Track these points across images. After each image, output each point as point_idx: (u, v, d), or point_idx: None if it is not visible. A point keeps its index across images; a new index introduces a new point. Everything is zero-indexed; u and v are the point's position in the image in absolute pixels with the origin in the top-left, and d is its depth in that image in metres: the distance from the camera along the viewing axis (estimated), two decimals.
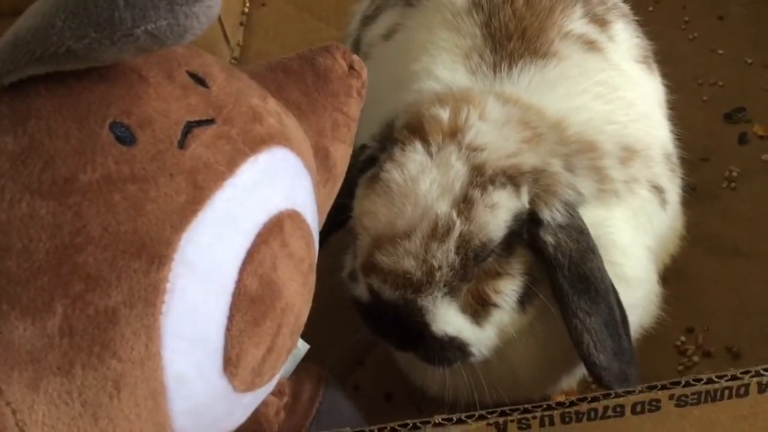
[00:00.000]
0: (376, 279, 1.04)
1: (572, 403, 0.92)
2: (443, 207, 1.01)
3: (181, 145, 0.78)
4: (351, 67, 1.01)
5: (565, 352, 1.10)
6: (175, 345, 0.74)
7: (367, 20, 1.46)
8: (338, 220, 1.15)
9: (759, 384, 0.91)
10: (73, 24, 0.70)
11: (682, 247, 1.38)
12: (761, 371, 0.91)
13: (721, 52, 1.95)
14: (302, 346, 1.06)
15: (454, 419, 0.92)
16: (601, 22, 1.28)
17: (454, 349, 1.06)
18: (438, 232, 1.01)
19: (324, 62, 0.98)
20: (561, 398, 0.96)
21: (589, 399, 0.92)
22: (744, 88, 1.85)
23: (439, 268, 1.01)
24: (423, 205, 1.02)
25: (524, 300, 1.07)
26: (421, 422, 0.92)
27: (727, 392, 0.91)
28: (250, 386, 0.84)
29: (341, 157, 1.05)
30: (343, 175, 1.09)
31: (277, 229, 0.83)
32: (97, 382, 0.71)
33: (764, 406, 0.92)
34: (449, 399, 1.14)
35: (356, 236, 1.09)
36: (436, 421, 0.92)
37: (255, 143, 0.84)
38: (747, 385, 0.90)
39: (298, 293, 0.87)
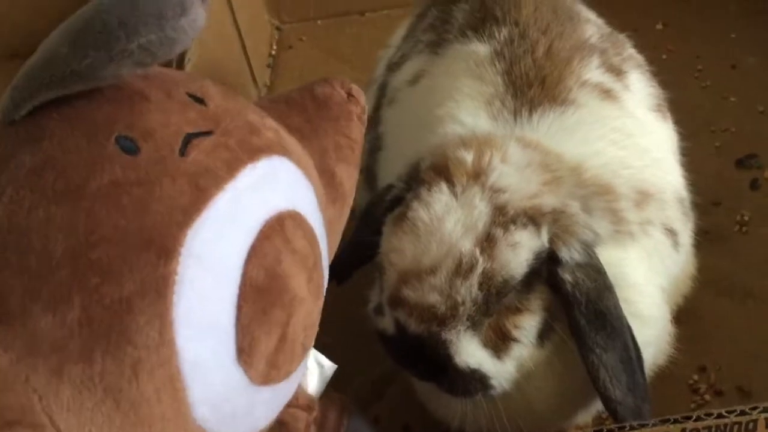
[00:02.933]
0: (403, 312, 1.09)
1: None
2: (467, 245, 1.07)
3: (182, 153, 0.85)
4: (350, 94, 1.07)
5: (581, 387, 1.14)
6: (188, 332, 0.79)
7: (393, 66, 1.53)
8: (365, 256, 1.21)
9: (767, 419, 0.95)
10: (74, 48, 0.79)
11: (694, 288, 1.42)
12: None
13: (733, 99, 2.01)
14: (329, 366, 1.10)
15: None
16: (617, 71, 1.35)
17: (475, 381, 1.10)
18: (462, 269, 1.06)
19: (323, 90, 1.04)
20: None
21: (605, 431, 0.96)
22: (756, 135, 1.90)
23: (463, 303, 1.06)
24: (448, 242, 1.07)
25: (543, 335, 1.11)
26: None
27: (736, 427, 0.95)
28: (266, 379, 0.88)
29: (348, 177, 1.11)
30: (353, 195, 1.14)
31: (278, 226, 0.89)
32: (116, 367, 0.76)
33: None
34: (470, 430, 1.18)
35: (383, 271, 1.14)
36: None
37: (253, 152, 0.90)
38: (755, 421, 0.94)
39: (304, 287, 0.91)
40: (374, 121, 1.53)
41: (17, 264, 0.76)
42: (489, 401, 1.13)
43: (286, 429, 0.99)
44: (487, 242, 1.07)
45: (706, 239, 1.51)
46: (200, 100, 0.92)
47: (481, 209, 1.08)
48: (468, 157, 1.14)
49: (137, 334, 0.77)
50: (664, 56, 2.10)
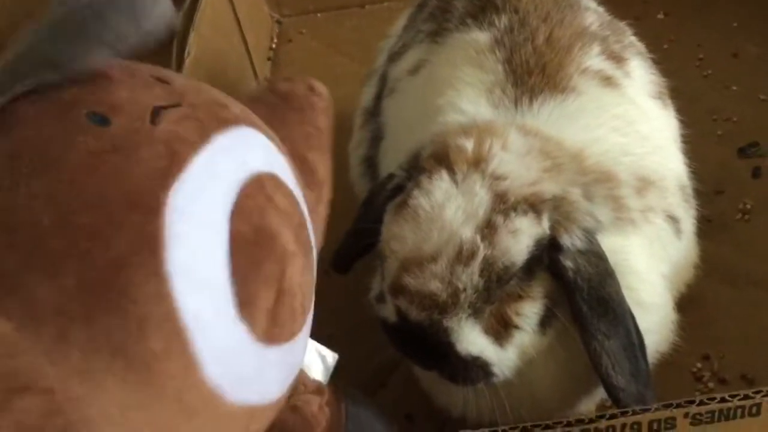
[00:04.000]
0: (404, 300, 1.09)
1: (591, 420, 0.96)
2: (468, 232, 1.07)
3: (153, 122, 0.87)
4: (311, 88, 1.08)
5: (584, 374, 1.14)
6: (185, 285, 0.81)
7: (394, 56, 1.53)
8: (366, 245, 1.21)
9: None
10: (54, 42, 0.83)
11: (697, 276, 1.42)
12: None
13: (735, 88, 2.00)
14: (331, 356, 1.11)
15: None
16: (617, 59, 1.34)
17: (477, 368, 1.10)
18: (463, 256, 1.06)
19: (284, 86, 1.07)
20: None
21: (608, 416, 0.96)
22: (757, 124, 1.90)
23: (464, 290, 1.06)
24: (449, 230, 1.07)
25: (545, 322, 1.11)
26: None
27: (740, 411, 0.95)
28: (270, 336, 0.89)
29: (321, 163, 1.12)
30: (329, 182, 1.15)
31: (258, 186, 0.91)
32: (121, 326, 0.77)
33: None
34: (472, 419, 1.19)
35: (384, 259, 1.14)
36: None
37: (221, 122, 0.93)
38: (759, 405, 0.94)
39: (293, 243, 0.93)
40: (375, 111, 1.53)
41: (7, 240, 0.77)
42: (491, 389, 1.13)
43: (300, 414, 1.00)
44: (488, 229, 1.07)
45: (708, 227, 1.50)
46: (164, 81, 0.95)
47: (481, 196, 1.08)
48: (468, 144, 1.14)
49: (136, 291, 0.78)
50: (665, 45, 2.09)
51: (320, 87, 1.11)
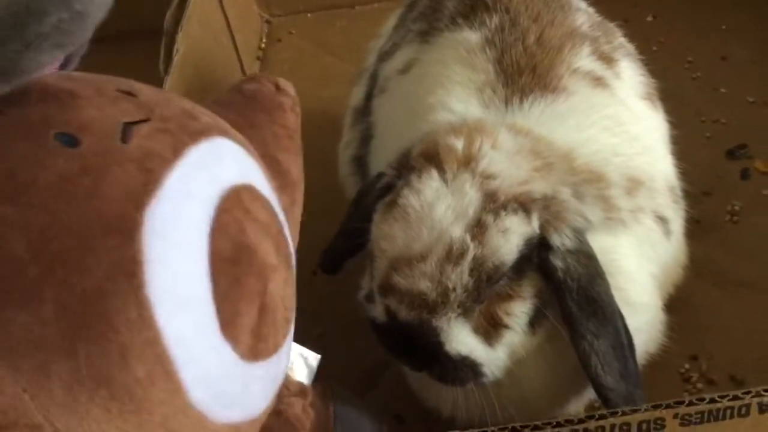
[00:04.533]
0: (393, 300, 1.08)
1: (581, 421, 0.96)
2: (457, 231, 1.06)
3: (123, 140, 0.85)
4: (277, 87, 1.07)
5: (573, 374, 1.14)
6: (166, 309, 0.79)
7: (384, 56, 1.53)
8: (356, 244, 1.20)
9: (759, 404, 0.95)
10: None
11: (686, 277, 1.42)
12: (761, 392, 0.94)
13: (723, 91, 2.01)
14: (313, 357, 1.10)
15: None
16: (607, 59, 1.34)
17: (466, 368, 1.10)
18: (452, 255, 1.06)
19: (250, 86, 1.05)
20: None
21: (597, 417, 0.96)
22: (746, 126, 1.91)
23: (454, 289, 1.06)
24: (438, 229, 1.07)
25: (534, 322, 1.11)
26: None
27: (729, 412, 0.95)
28: (255, 353, 0.88)
29: (293, 164, 1.11)
30: (302, 183, 1.13)
31: (235, 199, 0.89)
32: (103, 355, 0.75)
33: (764, 426, 0.96)
34: (462, 420, 1.18)
35: (374, 259, 1.14)
36: None
37: (193, 134, 0.90)
38: (748, 405, 0.94)
39: (273, 255, 0.92)
40: (366, 110, 1.53)
41: None
42: (481, 389, 1.12)
43: (284, 417, 0.99)
44: (478, 228, 1.06)
45: (697, 229, 1.51)
46: (130, 93, 0.92)
47: (471, 195, 1.08)
48: (458, 143, 1.13)
49: (116, 318, 0.76)
50: (654, 48, 2.10)
51: (287, 85, 1.09)
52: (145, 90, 0.94)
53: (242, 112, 1.06)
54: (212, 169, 0.89)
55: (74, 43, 0.82)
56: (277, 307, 0.91)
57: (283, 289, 0.93)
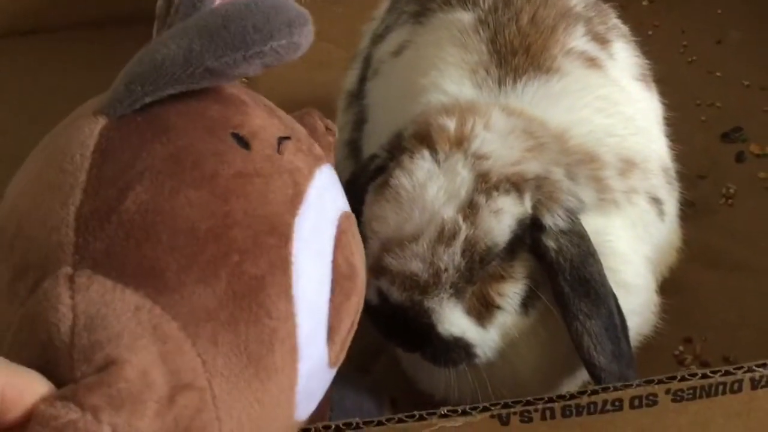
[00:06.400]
0: (385, 281, 1.08)
1: (572, 396, 0.96)
2: (450, 212, 1.06)
3: (279, 152, 0.94)
4: (328, 128, 1.14)
5: (566, 355, 1.14)
6: (303, 308, 0.87)
7: (378, 38, 1.52)
8: None
9: (752, 380, 0.95)
10: (210, 47, 0.87)
11: (680, 260, 1.42)
12: (754, 367, 0.95)
13: (718, 74, 2.01)
14: None
15: (459, 411, 0.96)
16: (601, 40, 1.34)
17: (459, 349, 1.10)
18: (444, 236, 1.05)
19: (310, 120, 1.11)
20: None
21: (589, 392, 0.96)
22: (741, 109, 1.91)
23: (446, 270, 1.06)
24: (430, 210, 1.07)
25: (527, 303, 1.11)
26: (428, 413, 0.96)
27: (721, 387, 0.95)
28: (336, 361, 0.95)
29: None
30: None
31: (348, 222, 0.99)
32: (258, 337, 0.83)
33: (757, 402, 0.96)
34: (455, 402, 1.18)
35: (366, 240, 1.13)
36: (443, 413, 0.96)
37: (318, 158, 1.00)
38: (740, 381, 0.94)
39: (365, 280, 1.00)
40: (359, 94, 1.52)
41: (168, 242, 0.81)
42: (473, 371, 1.13)
43: None
44: (470, 209, 1.06)
45: (692, 212, 1.51)
46: (274, 111, 1.01)
47: (463, 176, 1.08)
48: (450, 124, 1.13)
49: (272, 307, 0.84)
50: (650, 32, 2.10)
51: (331, 125, 1.16)
52: (278, 109, 1.03)
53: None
54: (332, 192, 0.99)
55: (278, 63, 0.90)
56: (356, 325, 0.99)
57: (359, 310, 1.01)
